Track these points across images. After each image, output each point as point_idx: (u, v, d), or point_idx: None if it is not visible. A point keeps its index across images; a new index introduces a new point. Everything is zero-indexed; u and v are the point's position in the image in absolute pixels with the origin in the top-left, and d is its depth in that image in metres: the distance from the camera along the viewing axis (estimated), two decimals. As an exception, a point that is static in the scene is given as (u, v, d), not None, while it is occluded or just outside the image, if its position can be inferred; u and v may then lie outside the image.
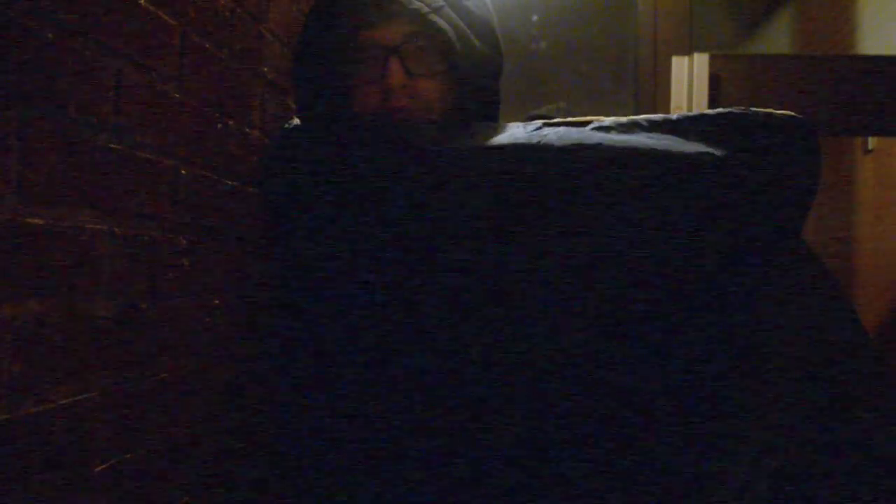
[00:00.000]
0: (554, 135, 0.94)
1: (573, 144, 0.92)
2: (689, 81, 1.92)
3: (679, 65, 1.93)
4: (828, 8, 3.48)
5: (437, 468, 0.94)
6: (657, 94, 2.04)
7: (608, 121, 0.98)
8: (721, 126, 0.95)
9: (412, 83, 1.02)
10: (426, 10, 1.00)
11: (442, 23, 1.00)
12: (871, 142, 3.00)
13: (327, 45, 1.04)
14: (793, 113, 0.97)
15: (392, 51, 1.02)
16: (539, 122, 0.98)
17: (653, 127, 0.96)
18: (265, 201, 1.07)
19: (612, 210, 0.89)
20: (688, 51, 1.97)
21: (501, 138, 0.95)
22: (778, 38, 4.10)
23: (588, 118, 1.00)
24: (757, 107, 1.00)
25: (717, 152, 0.91)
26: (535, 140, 0.93)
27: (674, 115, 0.99)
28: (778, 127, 0.94)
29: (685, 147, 0.92)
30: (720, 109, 0.98)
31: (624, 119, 0.98)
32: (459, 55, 1.02)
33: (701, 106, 1.91)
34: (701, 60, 1.91)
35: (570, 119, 1.00)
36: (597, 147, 0.91)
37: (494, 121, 1.09)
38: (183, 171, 0.85)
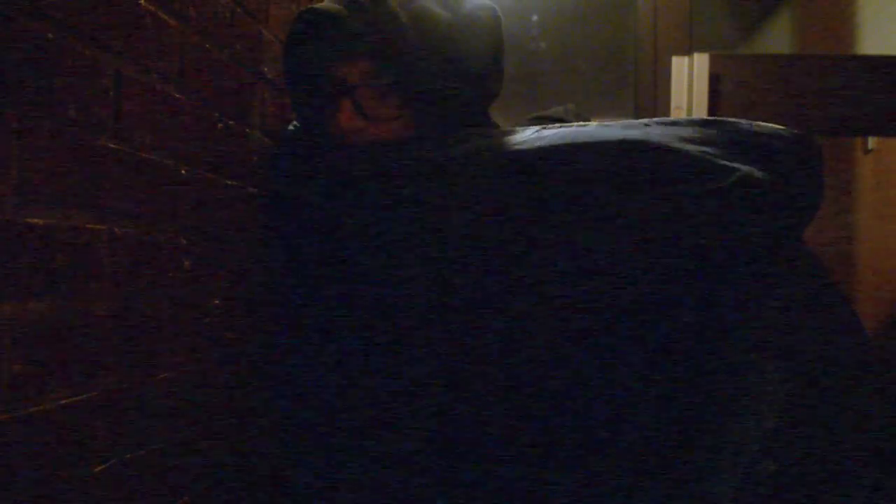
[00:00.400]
0: (553, 135, 0.94)
1: (570, 143, 0.92)
2: (689, 81, 1.92)
3: (679, 65, 1.93)
4: (828, 8, 3.48)
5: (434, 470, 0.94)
6: (657, 94, 2.04)
7: (610, 124, 0.98)
8: (721, 133, 0.94)
9: (365, 127, 1.00)
10: (393, 53, 0.97)
11: (408, 66, 0.96)
12: (871, 142, 3.00)
13: (302, 72, 1.03)
14: (796, 131, 0.96)
15: (345, 91, 0.99)
16: (538, 126, 0.98)
17: (654, 124, 0.95)
18: (263, 198, 1.07)
19: (612, 205, 0.89)
20: (688, 51, 1.97)
21: (501, 143, 0.95)
22: (778, 38, 4.10)
23: (590, 123, 1.00)
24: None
25: (719, 156, 0.91)
26: (534, 142, 0.93)
27: (670, 119, 0.99)
28: (783, 142, 0.93)
29: (687, 146, 0.91)
30: (721, 118, 0.97)
31: (626, 123, 0.98)
32: (426, 98, 0.99)
33: (701, 106, 1.91)
34: (701, 60, 1.91)
35: (567, 123, 1.00)
36: (596, 143, 0.91)
37: None
38: (183, 171, 0.85)
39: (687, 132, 0.94)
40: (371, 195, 0.96)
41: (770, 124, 0.96)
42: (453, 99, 1.03)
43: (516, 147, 0.93)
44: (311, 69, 1.02)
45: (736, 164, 0.90)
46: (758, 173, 0.89)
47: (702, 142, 0.93)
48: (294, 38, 1.03)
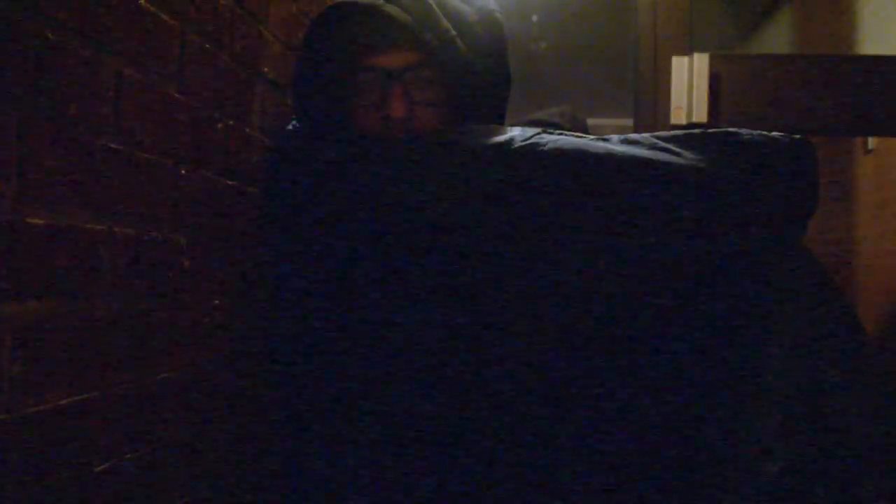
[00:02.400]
0: (550, 141, 0.93)
1: (569, 150, 0.92)
2: (689, 81, 1.92)
3: (679, 65, 1.93)
4: (828, 8, 3.48)
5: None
6: (657, 94, 2.04)
7: (609, 136, 0.98)
8: (717, 144, 0.94)
9: (413, 111, 1.01)
10: (435, 42, 0.99)
11: (449, 55, 0.99)
12: (871, 142, 3.00)
13: (330, 65, 1.03)
14: (790, 135, 0.96)
15: (395, 77, 1.00)
16: (538, 129, 0.98)
17: (651, 145, 0.95)
18: (263, 200, 1.07)
19: (604, 214, 0.89)
20: (688, 51, 1.97)
21: (497, 140, 0.95)
22: (778, 38, 4.10)
23: (587, 136, 1.00)
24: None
25: (714, 167, 0.91)
26: (531, 143, 0.93)
27: (665, 134, 0.98)
28: (778, 147, 0.93)
29: (681, 160, 0.92)
30: (715, 129, 0.97)
31: (623, 136, 0.98)
32: (463, 87, 1.01)
33: (701, 106, 1.91)
34: (701, 60, 1.91)
35: (568, 133, 0.99)
36: (594, 155, 0.91)
37: None
38: (183, 171, 0.85)
39: (678, 152, 0.93)
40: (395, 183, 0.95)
41: (766, 132, 0.95)
42: (489, 92, 1.04)
43: (508, 145, 0.93)
44: (347, 58, 1.02)
45: (729, 177, 0.90)
46: (752, 188, 0.90)
47: (695, 156, 0.93)
48: (325, 31, 1.02)
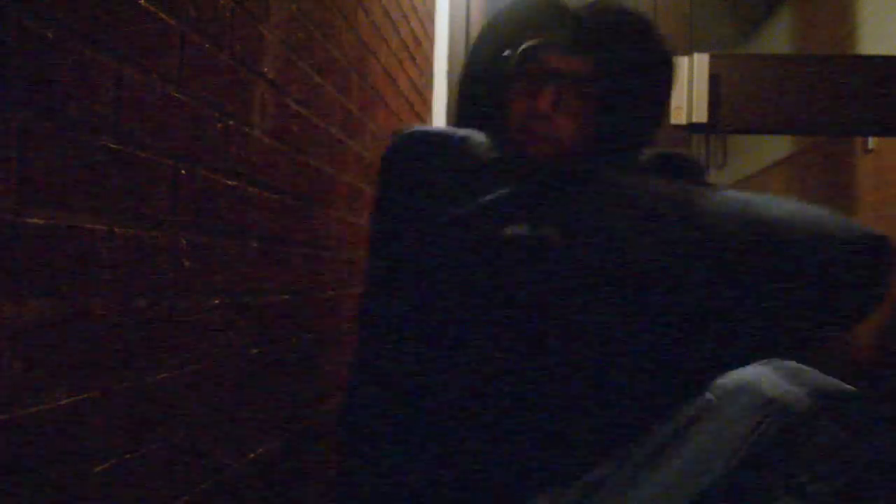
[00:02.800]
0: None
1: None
2: (689, 81, 1.92)
3: (679, 65, 1.93)
4: (828, 8, 3.49)
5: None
6: (657, 94, 2.04)
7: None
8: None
9: (550, 119, 1.00)
10: (614, 65, 0.97)
11: (624, 77, 0.98)
12: (871, 142, 3.00)
13: (501, 58, 1.02)
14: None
15: (556, 78, 1.00)
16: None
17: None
18: (380, 203, 1.03)
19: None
20: (688, 51, 1.97)
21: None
22: (778, 38, 4.11)
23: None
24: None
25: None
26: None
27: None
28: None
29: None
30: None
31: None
32: (625, 116, 1.00)
33: (701, 106, 1.91)
34: (701, 60, 1.92)
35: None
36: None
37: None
38: (183, 171, 0.85)
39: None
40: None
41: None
42: (644, 123, 1.03)
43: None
44: (528, 57, 1.01)
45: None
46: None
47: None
48: (519, 25, 1.02)
